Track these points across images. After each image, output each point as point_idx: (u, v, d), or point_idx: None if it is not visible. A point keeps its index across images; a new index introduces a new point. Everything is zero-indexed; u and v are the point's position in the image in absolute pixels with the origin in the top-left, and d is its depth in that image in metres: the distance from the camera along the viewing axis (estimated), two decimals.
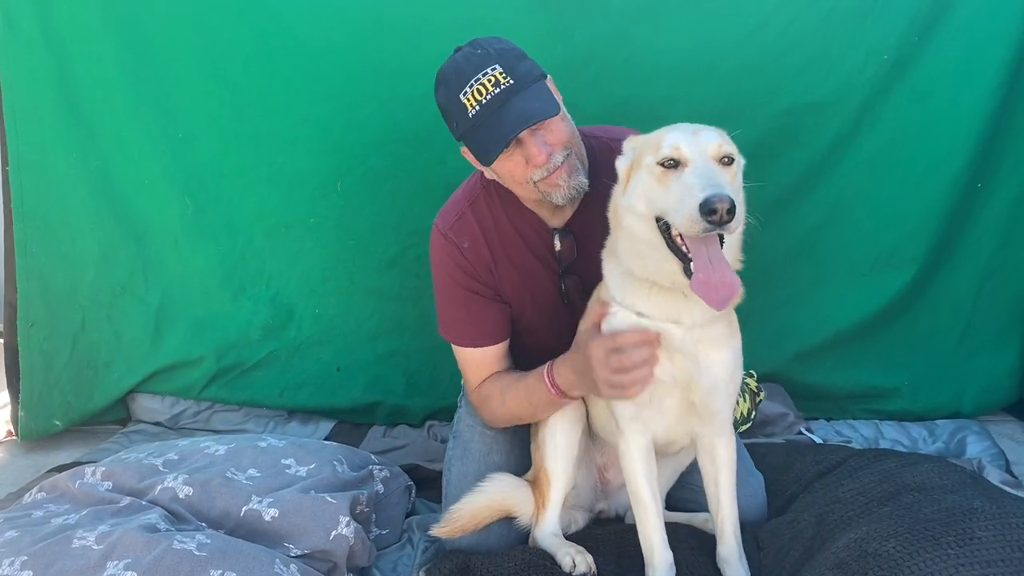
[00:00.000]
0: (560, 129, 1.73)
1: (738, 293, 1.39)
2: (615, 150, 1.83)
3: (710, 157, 1.42)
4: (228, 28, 2.59)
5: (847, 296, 2.75)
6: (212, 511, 1.87)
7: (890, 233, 2.71)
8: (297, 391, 2.85)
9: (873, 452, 2.06)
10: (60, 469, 2.40)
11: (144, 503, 1.87)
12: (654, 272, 1.51)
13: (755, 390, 1.94)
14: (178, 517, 1.84)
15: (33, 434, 2.74)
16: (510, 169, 1.75)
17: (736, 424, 1.83)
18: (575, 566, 1.71)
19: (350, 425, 2.83)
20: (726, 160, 1.45)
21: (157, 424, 2.83)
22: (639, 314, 1.56)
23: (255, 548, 1.73)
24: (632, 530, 1.72)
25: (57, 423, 2.76)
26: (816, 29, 2.55)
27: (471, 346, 1.95)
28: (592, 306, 1.71)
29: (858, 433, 2.66)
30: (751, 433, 2.50)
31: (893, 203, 2.69)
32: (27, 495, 2.00)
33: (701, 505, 1.81)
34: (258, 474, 2.00)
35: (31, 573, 1.58)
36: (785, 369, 2.78)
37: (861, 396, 2.79)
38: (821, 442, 2.54)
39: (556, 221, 1.91)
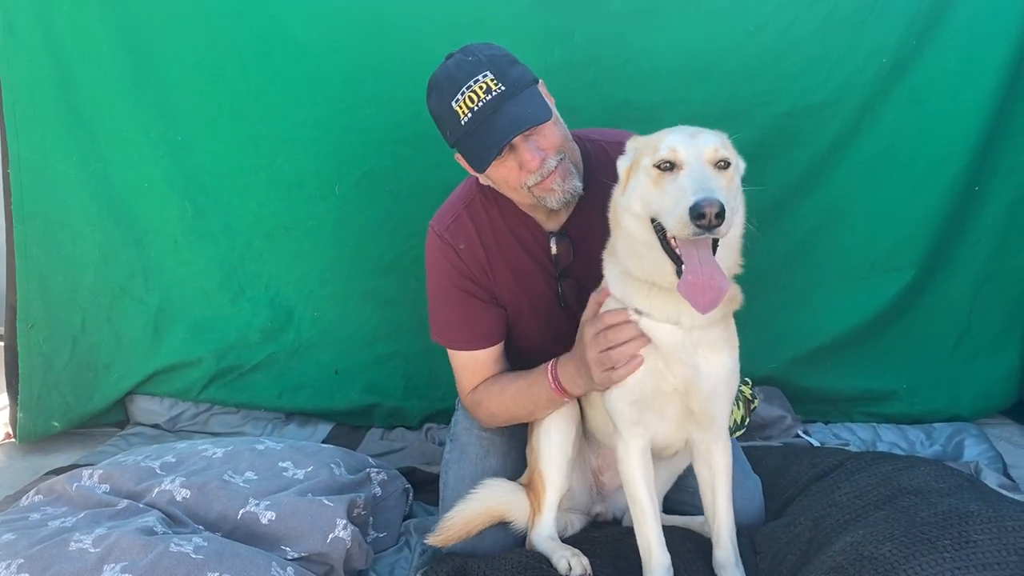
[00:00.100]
0: (553, 134, 1.74)
1: (724, 296, 1.40)
2: (610, 153, 1.83)
3: (706, 161, 1.43)
4: (227, 31, 2.59)
5: (845, 299, 2.76)
6: (209, 514, 1.88)
7: (888, 236, 2.71)
8: (295, 393, 2.85)
9: (870, 455, 2.06)
10: (58, 472, 2.40)
11: (141, 506, 1.87)
12: (652, 272, 1.52)
13: (749, 397, 1.95)
14: (175, 520, 1.85)
15: (31, 435, 2.75)
16: (504, 175, 1.76)
17: (730, 431, 1.83)
18: (571, 569, 1.71)
19: (348, 427, 2.84)
20: (722, 164, 1.45)
21: (155, 426, 2.83)
22: (638, 312, 1.57)
23: (252, 551, 1.73)
24: (629, 533, 1.72)
25: (56, 424, 2.77)
26: (815, 31, 2.56)
27: (465, 349, 1.95)
28: (593, 296, 1.72)
29: (856, 436, 2.67)
30: (749, 436, 2.50)
31: (891, 206, 2.69)
32: (24, 498, 2.01)
33: (697, 508, 1.81)
34: (255, 477, 2.01)
35: None
36: (783, 372, 2.78)
37: (859, 399, 2.79)
38: (818, 445, 2.55)
39: (552, 225, 1.91)
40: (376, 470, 2.25)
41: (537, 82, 1.77)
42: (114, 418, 2.88)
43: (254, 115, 2.65)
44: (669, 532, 1.72)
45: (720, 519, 1.70)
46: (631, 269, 1.57)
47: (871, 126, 2.64)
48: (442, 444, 2.48)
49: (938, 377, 2.77)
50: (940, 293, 2.75)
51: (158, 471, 2.01)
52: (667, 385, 1.57)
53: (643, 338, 1.56)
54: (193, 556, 1.63)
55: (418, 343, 2.77)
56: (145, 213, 2.73)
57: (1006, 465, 2.42)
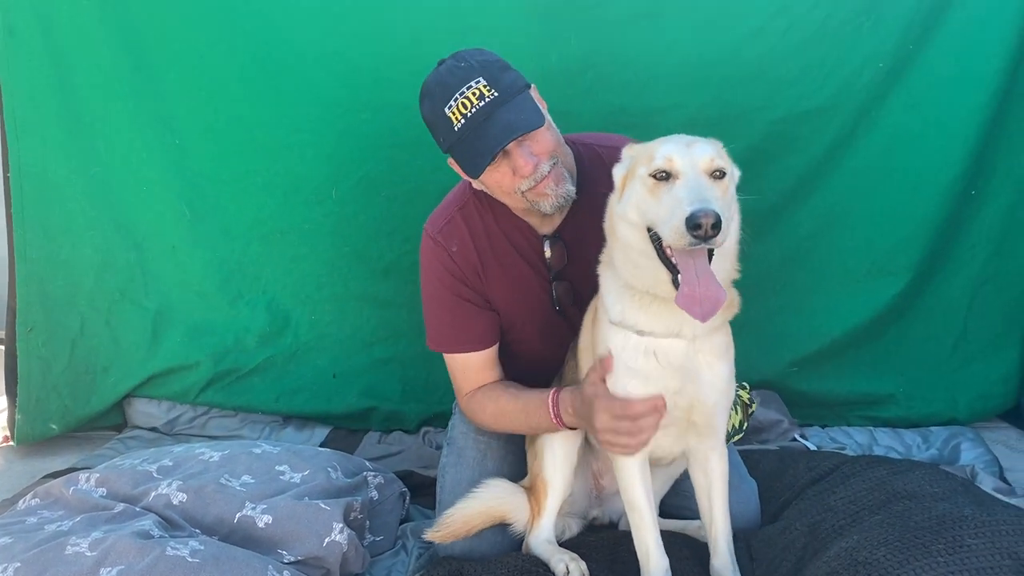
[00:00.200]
0: (546, 139, 1.74)
1: (722, 306, 1.40)
2: (604, 157, 1.84)
3: (702, 171, 1.43)
4: (225, 37, 2.60)
5: (842, 303, 2.76)
6: (206, 518, 1.88)
7: (885, 240, 2.71)
8: (293, 397, 2.86)
9: (865, 459, 2.07)
10: (55, 475, 2.40)
11: (138, 510, 1.87)
12: (650, 282, 1.52)
13: (747, 402, 1.95)
14: (172, 524, 1.85)
15: (29, 438, 2.76)
16: (498, 180, 1.76)
17: (728, 436, 1.83)
18: (569, 573, 1.71)
19: (345, 431, 2.84)
20: (717, 174, 1.45)
21: (153, 429, 2.84)
22: (639, 332, 1.56)
23: (248, 555, 1.74)
24: (626, 537, 1.73)
25: (54, 427, 2.78)
26: (812, 37, 2.56)
27: (459, 352, 1.96)
28: (586, 333, 1.71)
29: (852, 440, 2.67)
30: (745, 439, 2.50)
31: (888, 210, 2.69)
32: (21, 501, 2.01)
33: (694, 512, 1.81)
34: (252, 480, 2.01)
35: None
36: (780, 376, 2.78)
37: (856, 403, 2.79)
38: (815, 449, 2.55)
39: (546, 228, 1.92)
40: (373, 474, 2.25)
41: (529, 87, 1.78)
42: (112, 421, 2.88)
43: (251, 120, 2.66)
44: (666, 537, 1.73)
45: (717, 526, 1.71)
46: (628, 279, 1.57)
47: (868, 131, 2.65)
48: (439, 448, 2.49)
49: (935, 380, 2.77)
50: (937, 297, 2.75)
51: (155, 475, 2.01)
52: (672, 404, 1.57)
53: (659, 415, 1.56)
54: (189, 560, 1.64)
55: (416, 347, 2.76)
56: (143, 217, 2.74)
57: (1002, 469, 2.42)
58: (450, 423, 2.19)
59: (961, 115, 2.60)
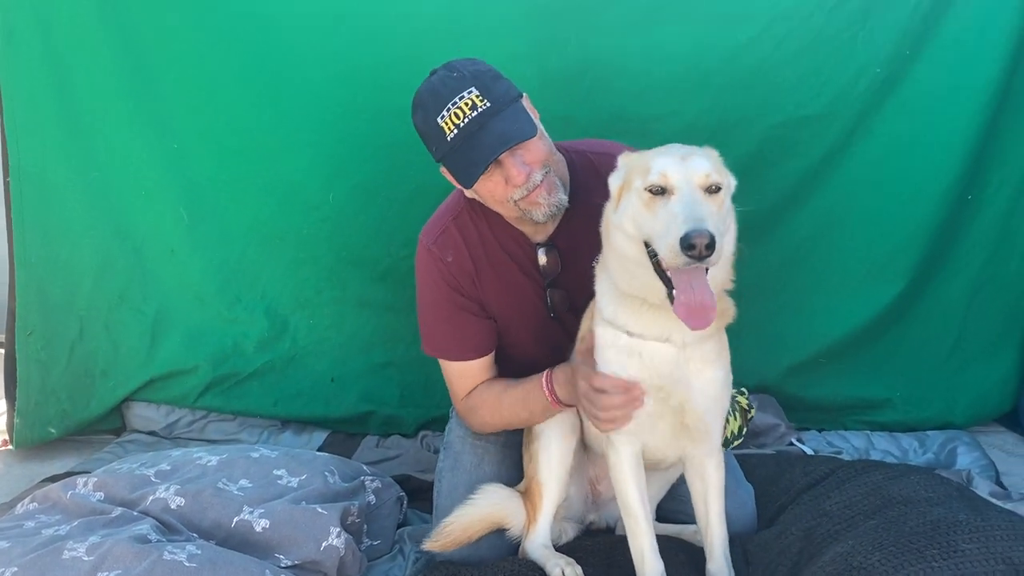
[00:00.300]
0: (538, 148, 1.75)
1: (715, 315, 1.41)
2: (596, 164, 1.85)
3: (697, 186, 1.43)
4: (222, 41, 2.61)
5: (839, 307, 2.76)
6: (203, 522, 1.88)
7: (882, 245, 2.72)
8: (291, 401, 2.86)
9: (861, 464, 2.08)
10: (54, 479, 2.41)
11: (135, 514, 1.88)
12: (643, 290, 1.53)
13: (746, 407, 1.95)
14: (169, 528, 1.85)
15: (28, 442, 2.76)
16: (490, 189, 1.77)
17: (727, 442, 1.84)
18: None
19: (344, 435, 2.84)
20: (713, 188, 1.45)
21: (152, 433, 2.83)
22: (629, 334, 1.57)
23: (245, 559, 1.74)
24: (622, 541, 1.73)
25: (52, 431, 2.78)
26: (809, 44, 2.57)
27: (456, 360, 1.97)
28: (585, 324, 1.72)
29: (849, 444, 2.67)
30: (742, 444, 2.50)
31: (885, 215, 2.70)
32: (19, 505, 2.01)
33: (690, 516, 1.82)
34: (250, 485, 2.01)
35: None
36: (777, 380, 2.79)
37: (852, 407, 2.80)
38: (812, 453, 2.55)
39: (539, 236, 1.92)
40: (370, 478, 2.25)
41: (521, 96, 1.79)
42: (111, 425, 2.88)
43: (249, 124, 2.67)
44: (662, 542, 1.73)
45: (713, 532, 1.71)
46: (621, 285, 1.58)
47: (865, 137, 2.65)
48: (437, 452, 2.48)
49: (932, 385, 2.78)
50: (934, 301, 2.76)
51: (153, 479, 2.01)
52: (663, 405, 1.58)
53: (637, 403, 1.57)
54: (187, 564, 1.64)
55: (413, 351, 2.75)
56: (142, 221, 2.75)
57: (999, 473, 2.42)
58: (447, 427, 2.19)
59: (957, 121, 2.60)
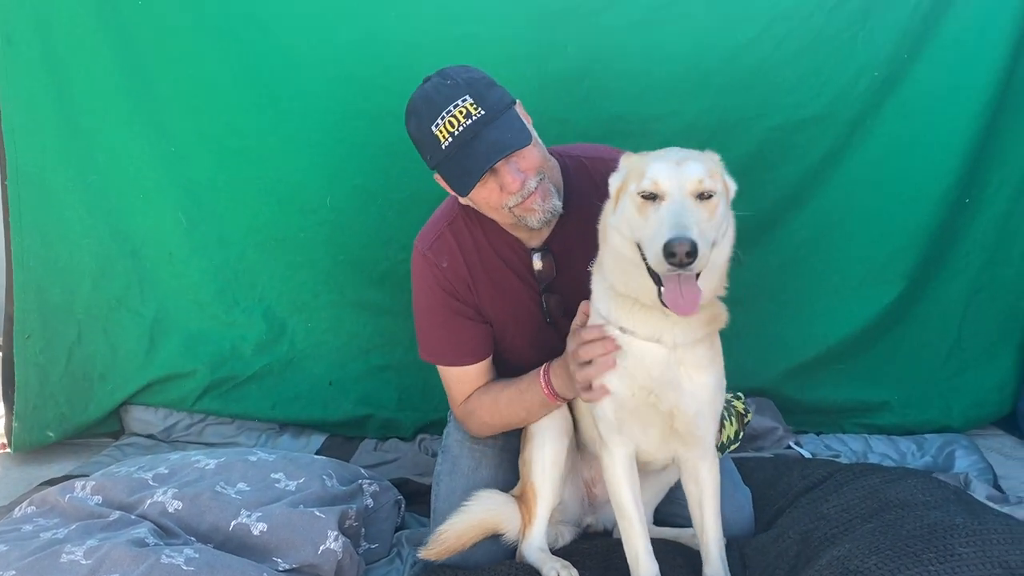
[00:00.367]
0: (532, 155, 1.75)
1: (701, 300, 1.42)
2: (590, 169, 1.86)
3: (688, 193, 1.43)
4: (220, 45, 2.62)
5: (837, 310, 2.77)
6: (201, 525, 1.88)
7: (880, 248, 2.72)
8: (289, 404, 2.86)
9: (859, 467, 2.08)
10: (52, 482, 2.40)
11: (133, 517, 1.87)
12: (636, 290, 1.54)
13: (742, 412, 1.95)
14: (167, 531, 1.85)
15: (26, 445, 2.76)
16: (485, 197, 1.78)
17: (724, 447, 1.84)
18: None
19: (342, 438, 2.84)
20: (706, 194, 1.45)
21: (150, 437, 2.84)
22: (622, 330, 1.58)
23: (243, 562, 1.74)
24: (618, 544, 1.73)
25: (51, 434, 2.78)
26: (808, 46, 2.58)
27: (454, 365, 1.97)
28: (582, 306, 1.74)
29: (847, 447, 2.67)
30: (740, 447, 2.49)
31: (884, 218, 2.71)
32: (17, 509, 2.01)
33: (688, 519, 1.81)
34: (248, 488, 2.01)
35: None
36: (775, 383, 2.79)
37: (850, 410, 2.80)
38: (809, 456, 2.55)
39: (534, 242, 1.93)
40: (368, 481, 2.25)
41: (515, 103, 1.79)
42: (109, 428, 2.88)
43: (247, 128, 2.67)
44: (659, 545, 1.74)
45: (709, 536, 1.71)
46: (615, 284, 1.59)
47: (864, 139, 2.66)
48: (435, 455, 2.48)
49: (930, 388, 2.78)
50: (932, 304, 2.77)
51: (150, 482, 2.01)
52: (652, 410, 1.59)
53: (609, 346, 1.60)
54: (184, 568, 1.64)
55: (412, 354, 2.73)
56: (140, 225, 2.75)
57: (996, 476, 2.42)
58: (445, 431, 2.19)
59: (957, 122, 2.61)
